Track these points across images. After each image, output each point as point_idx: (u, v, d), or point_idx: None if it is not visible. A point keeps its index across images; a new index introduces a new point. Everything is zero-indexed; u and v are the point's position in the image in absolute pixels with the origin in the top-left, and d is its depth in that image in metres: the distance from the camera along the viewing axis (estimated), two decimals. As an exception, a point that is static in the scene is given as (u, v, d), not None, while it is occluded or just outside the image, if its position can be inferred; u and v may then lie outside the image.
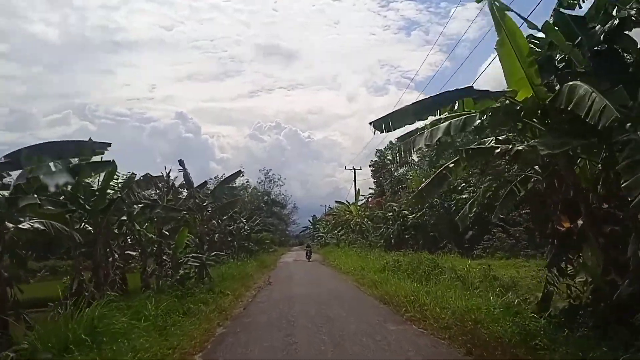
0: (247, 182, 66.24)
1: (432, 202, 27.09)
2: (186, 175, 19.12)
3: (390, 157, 59.76)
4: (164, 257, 14.78)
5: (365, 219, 39.48)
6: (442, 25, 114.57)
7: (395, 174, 56.33)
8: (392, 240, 30.68)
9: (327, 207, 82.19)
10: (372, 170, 58.54)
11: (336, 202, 43.98)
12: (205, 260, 18.27)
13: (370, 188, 51.68)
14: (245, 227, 31.48)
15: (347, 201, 43.50)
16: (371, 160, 59.39)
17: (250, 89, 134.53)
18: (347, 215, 41.52)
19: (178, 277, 17.43)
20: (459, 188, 27.08)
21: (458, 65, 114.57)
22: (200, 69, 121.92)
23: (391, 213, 30.98)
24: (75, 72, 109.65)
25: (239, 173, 19.53)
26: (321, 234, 64.63)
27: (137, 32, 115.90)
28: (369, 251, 30.43)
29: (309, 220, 78.67)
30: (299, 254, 51.94)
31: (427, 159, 41.88)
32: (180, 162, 19.28)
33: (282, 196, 75.76)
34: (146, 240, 14.51)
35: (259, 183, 71.05)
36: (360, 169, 54.08)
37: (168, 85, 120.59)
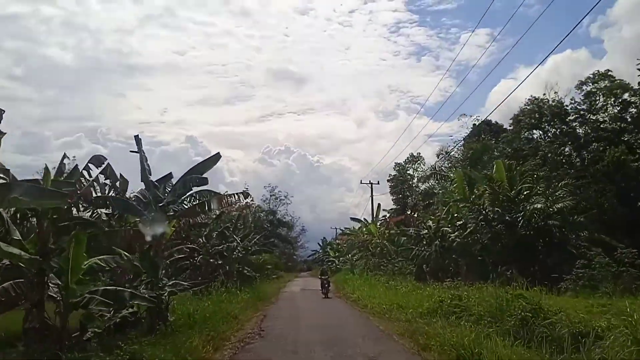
0: (251, 201, 59.97)
1: (486, 213, 20.26)
2: (142, 160, 12.55)
3: (411, 172, 53.22)
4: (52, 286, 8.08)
5: (385, 241, 32.59)
6: (452, 51, 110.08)
7: (422, 186, 49.74)
8: (428, 266, 23.74)
9: (338, 230, 75.78)
10: (390, 186, 51.79)
11: (352, 219, 37.25)
12: (161, 294, 11.64)
13: (384, 210, 44.88)
14: (239, 247, 24.64)
15: (364, 219, 36.71)
16: (390, 175, 52.76)
17: (260, 113, 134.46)
18: (365, 236, 34.66)
19: (112, 323, 11.08)
20: (522, 196, 20.22)
21: (467, 90, 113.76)
22: (211, 93, 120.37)
23: (426, 231, 24.10)
24: (88, 95, 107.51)
25: (217, 157, 12.81)
26: (332, 259, 57.39)
27: (151, 57, 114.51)
28: (395, 280, 23.55)
29: (319, 244, 71.61)
30: (307, 282, 44.78)
31: (457, 168, 35.21)
32: (137, 139, 12.83)
33: (290, 217, 68.87)
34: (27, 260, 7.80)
35: (264, 201, 64.34)
36: (378, 183, 47.21)
37: (179, 109, 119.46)
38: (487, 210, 20.30)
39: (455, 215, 23.83)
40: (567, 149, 40.69)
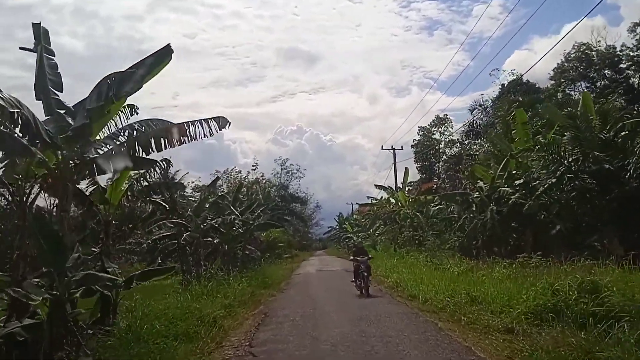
0: (261, 176, 54.92)
1: (569, 163, 14.71)
2: (39, 61, 7.28)
3: (437, 136, 47.41)
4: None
5: (416, 211, 27.17)
6: (464, 24, 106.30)
7: (449, 151, 44.05)
8: (479, 238, 18.36)
9: (355, 205, 70.60)
10: (414, 153, 46.11)
11: (376, 186, 31.57)
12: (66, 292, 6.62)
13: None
14: (238, 221, 19.39)
15: (388, 187, 31.19)
16: (414, 140, 47.06)
17: (272, 93, 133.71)
18: (392, 206, 29.27)
19: None
20: (620, 137, 14.56)
21: (480, 63, 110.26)
22: (223, 75, 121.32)
23: (477, 194, 18.58)
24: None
25: (168, 51, 7.36)
26: (349, 235, 52.20)
27: (162, 41, 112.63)
28: (438, 257, 18.24)
29: (335, 219, 66.32)
30: (323, 261, 39.75)
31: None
32: (34, 27, 7.58)
33: (304, 194, 63.62)
34: None
35: (275, 176, 59.11)
36: (402, 148, 41.59)
37: (192, 93, 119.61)
38: (571, 159, 14.74)
39: (514, 172, 18.30)
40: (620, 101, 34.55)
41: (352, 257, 15.54)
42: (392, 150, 41.60)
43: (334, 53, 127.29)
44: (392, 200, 29.39)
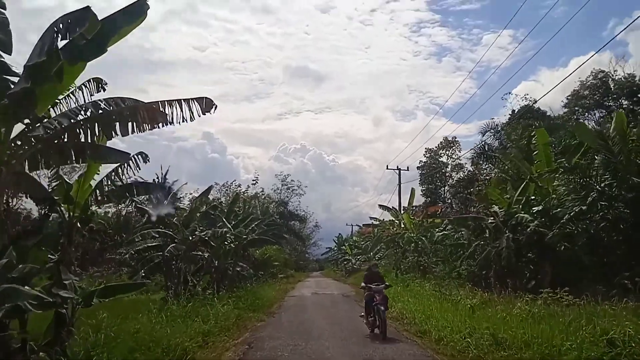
0: (261, 191, 53.40)
1: (602, 189, 13.17)
2: None
3: (444, 159, 45.95)
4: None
5: (422, 235, 25.53)
6: (473, 52, 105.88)
7: (456, 175, 42.51)
8: (492, 268, 16.70)
9: (354, 226, 68.97)
10: (420, 175, 44.59)
11: (380, 206, 29.82)
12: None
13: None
14: (229, 235, 17.75)
15: (393, 208, 29.53)
16: (420, 162, 45.58)
17: (278, 111, 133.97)
18: (395, 228, 27.60)
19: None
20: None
21: (487, 92, 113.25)
22: (231, 89, 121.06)
23: (492, 219, 16.97)
24: (111, 91, 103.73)
25: (141, 4, 6.03)
26: (348, 257, 50.41)
27: (172, 53, 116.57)
28: (446, 287, 16.59)
29: (334, 240, 64.48)
30: (320, 283, 37.92)
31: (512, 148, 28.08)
32: None
33: (304, 212, 61.93)
34: None
35: (274, 191, 57.57)
36: (408, 169, 40.18)
37: None
38: (603, 184, 13.20)
39: (533, 197, 16.77)
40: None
41: (363, 284, 12.24)
42: (397, 170, 40.20)
43: (342, 74, 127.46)
44: (396, 222, 27.71)
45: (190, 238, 16.85)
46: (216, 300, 13.33)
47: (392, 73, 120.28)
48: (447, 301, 13.50)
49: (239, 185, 45.06)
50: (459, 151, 45.87)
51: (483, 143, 30.37)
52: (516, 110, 34.86)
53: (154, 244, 16.75)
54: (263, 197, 53.05)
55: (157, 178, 18.24)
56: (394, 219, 27.97)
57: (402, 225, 27.81)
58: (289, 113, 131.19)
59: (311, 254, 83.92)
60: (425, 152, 46.25)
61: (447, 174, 45.46)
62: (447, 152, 45.96)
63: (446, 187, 45.44)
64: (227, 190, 44.98)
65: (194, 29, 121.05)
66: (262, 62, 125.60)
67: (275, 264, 34.46)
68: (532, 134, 20.34)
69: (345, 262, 51.41)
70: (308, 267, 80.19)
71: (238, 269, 19.30)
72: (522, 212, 16.20)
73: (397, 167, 40.50)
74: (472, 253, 17.74)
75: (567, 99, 37.04)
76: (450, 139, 45.87)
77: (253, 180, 51.28)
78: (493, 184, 20.87)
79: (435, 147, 46.23)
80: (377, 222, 29.51)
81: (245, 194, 43.21)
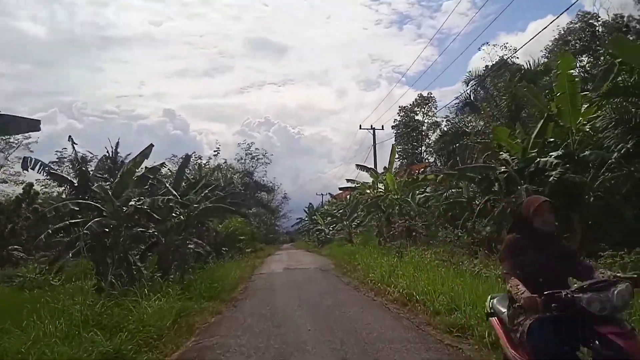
0: (224, 162, 49.27)
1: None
2: None
3: (419, 117, 42.76)
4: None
5: (403, 195, 22.32)
6: (434, 19, 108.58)
7: (433, 135, 39.65)
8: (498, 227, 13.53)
9: (325, 195, 65.95)
10: (395, 135, 41.33)
11: (358, 166, 26.06)
12: None
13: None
14: (174, 204, 13.79)
15: (372, 169, 25.97)
16: (395, 120, 42.28)
17: (240, 85, 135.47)
18: (377, 191, 24.17)
19: None
20: None
21: (448, 59, 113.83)
22: (190, 65, 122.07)
23: (503, 168, 13.66)
24: (63, 70, 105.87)
25: None
26: (320, 227, 47.21)
27: (127, 28, 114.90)
28: (455, 256, 13.36)
29: (305, 210, 61.14)
30: (292, 256, 34.52)
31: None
32: None
33: (271, 183, 58.05)
34: None
35: (238, 161, 53.47)
36: (383, 128, 36.97)
37: (157, 82, 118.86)
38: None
39: (552, 139, 13.60)
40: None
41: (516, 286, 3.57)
42: (371, 130, 36.82)
43: (303, 45, 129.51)
44: (377, 184, 24.31)
45: (124, 210, 12.96)
46: (161, 289, 9.60)
47: (353, 43, 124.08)
48: (470, 275, 10.16)
49: (200, 157, 40.83)
50: (435, 108, 42.83)
51: (469, 92, 27.12)
52: (489, 66, 31.66)
53: (75, 220, 12.84)
54: (226, 167, 49.09)
55: (107, 153, 14.96)
56: (374, 180, 24.55)
57: (383, 187, 24.50)
58: (251, 87, 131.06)
59: (281, 227, 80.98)
60: (400, 110, 42.99)
61: (423, 133, 42.46)
62: (423, 110, 42.79)
63: (423, 147, 42.51)
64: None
65: (148, 2, 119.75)
66: (221, 36, 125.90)
67: (241, 238, 30.80)
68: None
69: (317, 233, 48.29)
70: (279, 239, 77.08)
71: (191, 246, 15.51)
72: (543, 157, 13.02)
73: (371, 126, 37.17)
74: (482, 211, 14.50)
75: (550, 43, 34.14)
76: (425, 94, 42.71)
77: (214, 151, 47.17)
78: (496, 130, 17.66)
79: (410, 104, 43.02)
80: (355, 185, 25.92)
81: (207, 166, 39.16)
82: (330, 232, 41.62)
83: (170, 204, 14.10)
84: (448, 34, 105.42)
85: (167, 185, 14.26)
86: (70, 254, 15.08)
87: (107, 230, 12.43)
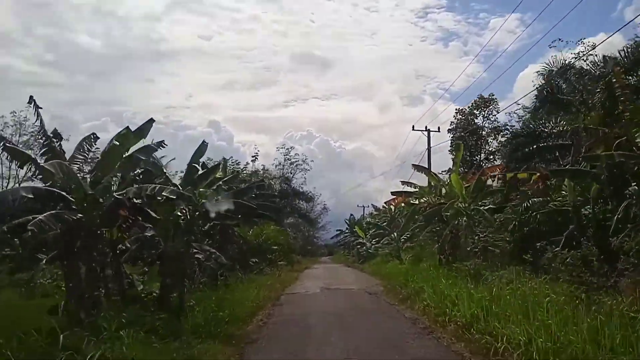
0: (262, 167, 45.83)
1: None
2: None
3: (480, 119, 37.90)
4: None
5: (472, 203, 17.84)
6: (480, 36, 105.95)
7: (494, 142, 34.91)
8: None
9: (367, 207, 61.57)
10: (451, 138, 36.59)
11: (414, 166, 21.53)
12: None
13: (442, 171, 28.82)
14: (171, 195, 9.94)
15: (432, 172, 21.34)
16: (451, 123, 37.57)
17: (285, 98, 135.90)
18: (437, 198, 19.65)
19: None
20: None
21: (494, 76, 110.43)
22: (236, 78, 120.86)
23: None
24: (117, 81, 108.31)
25: None
26: (361, 241, 42.80)
27: (178, 42, 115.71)
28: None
29: (346, 221, 56.85)
30: (331, 272, 30.41)
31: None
32: None
33: (310, 192, 53.78)
34: None
35: (276, 167, 49.82)
36: (439, 130, 32.73)
37: (205, 94, 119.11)
38: None
39: None
40: None
41: None
42: (425, 132, 32.44)
43: (348, 60, 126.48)
44: (441, 187, 19.74)
45: (101, 201, 9.29)
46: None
47: (398, 59, 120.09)
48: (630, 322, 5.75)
49: (237, 162, 37.23)
50: (497, 112, 37.86)
51: (549, 87, 22.25)
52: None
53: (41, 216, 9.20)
54: (263, 173, 45.62)
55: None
56: (434, 184, 20.01)
57: (444, 193, 20.01)
58: (295, 100, 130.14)
59: (320, 238, 76.79)
60: (456, 112, 38.23)
61: (482, 139, 37.54)
62: (483, 113, 37.87)
63: (482, 154, 37.55)
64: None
65: (199, 18, 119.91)
66: (267, 50, 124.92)
67: (274, 249, 26.90)
68: None
69: (358, 246, 43.92)
70: (317, 252, 72.97)
71: (200, 256, 11.64)
72: None
73: (426, 127, 32.79)
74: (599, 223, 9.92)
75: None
76: (486, 96, 37.82)
77: (253, 156, 43.74)
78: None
79: (468, 106, 38.21)
80: (413, 190, 21.18)
81: (244, 172, 35.66)
82: (373, 246, 37.18)
83: (173, 198, 10.30)
84: (495, 51, 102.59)
85: (165, 171, 10.46)
86: (44, 262, 11.68)
87: (75, 228, 8.80)
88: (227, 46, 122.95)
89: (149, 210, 10.66)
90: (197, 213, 10.67)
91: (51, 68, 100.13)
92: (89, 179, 9.87)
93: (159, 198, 10.10)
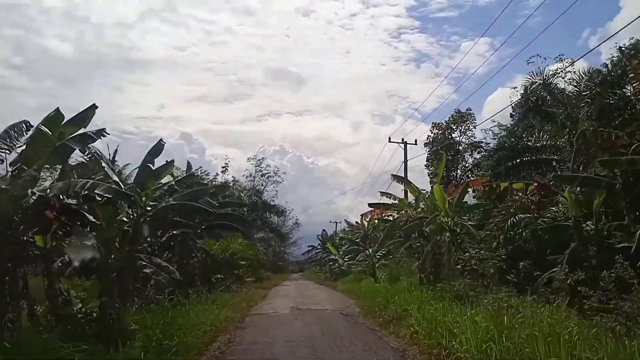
0: (232, 179, 44.09)
1: None
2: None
3: (456, 135, 37.13)
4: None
5: (455, 217, 16.60)
6: (452, 58, 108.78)
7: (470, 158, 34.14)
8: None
9: (339, 223, 60.34)
10: (428, 152, 35.66)
11: (394, 176, 20.35)
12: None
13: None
14: (104, 192, 8.12)
15: (412, 184, 19.92)
16: (428, 137, 36.70)
17: (258, 112, 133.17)
18: (416, 211, 18.20)
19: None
20: None
21: (465, 98, 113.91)
22: (210, 91, 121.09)
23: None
24: (86, 88, 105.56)
25: None
26: (334, 257, 41.10)
27: (151, 52, 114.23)
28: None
29: (318, 237, 55.15)
30: (303, 289, 28.68)
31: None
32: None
33: (282, 207, 51.84)
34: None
35: (247, 178, 48.03)
36: (416, 143, 31.85)
37: (177, 106, 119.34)
38: None
39: None
40: None
41: None
42: (402, 144, 31.38)
43: (322, 77, 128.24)
44: (422, 201, 18.33)
45: (17, 197, 7.44)
46: None
47: (371, 78, 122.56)
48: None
49: (207, 173, 35.24)
50: (474, 127, 37.22)
51: (534, 96, 21.42)
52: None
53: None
54: (233, 185, 43.72)
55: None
56: (415, 195, 18.57)
57: (424, 207, 18.67)
58: (269, 115, 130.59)
59: (291, 254, 74.69)
60: (433, 126, 37.43)
61: (459, 154, 36.74)
62: (460, 127, 37.15)
63: (459, 171, 36.69)
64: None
65: (173, 28, 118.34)
66: (242, 64, 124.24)
67: (241, 264, 24.97)
68: None
69: (331, 263, 42.16)
70: (287, 268, 70.78)
71: (148, 271, 9.82)
72: None
73: (403, 139, 31.76)
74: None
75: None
76: (463, 111, 37.19)
77: (222, 167, 41.90)
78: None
79: (445, 121, 37.45)
80: (392, 202, 19.65)
81: (214, 183, 33.68)
82: (346, 263, 35.55)
83: (113, 199, 8.50)
84: (466, 73, 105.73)
85: (108, 165, 8.66)
86: None
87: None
88: (201, 58, 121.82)
89: (85, 214, 8.86)
90: (144, 218, 8.86)
91: (18, 71, 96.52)
92: (9, 173, 8.05)
93: (98, 198, 8.37)
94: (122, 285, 8.88)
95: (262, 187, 48.55)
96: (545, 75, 22.21)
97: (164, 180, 9.94)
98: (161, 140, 11.44)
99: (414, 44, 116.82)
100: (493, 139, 31.97)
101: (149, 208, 9.04)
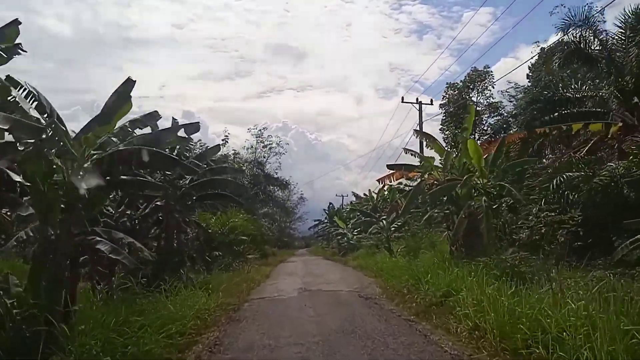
0: (233, 152, 41.38)
1: None
2: None
3: (473, 96, 34.03)
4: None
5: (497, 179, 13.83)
6: (454, 29, 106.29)
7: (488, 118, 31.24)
8: None
9: (345, 197, 57.90)
10: (443, 113, 32.69)
11: (415, 132, 17.55)
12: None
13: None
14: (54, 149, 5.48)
15: (436, 142, 16.97)
16: (443, 97, 33.66)
17: (260, 89, 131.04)
18: (444, 173, 15.36)
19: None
20: None
21: (467, 69, 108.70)
22: (211, 68, 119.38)
23: None
24: (86, 69, 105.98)
25: None
26: (342, 232, 38.47)
27: (150, 30, 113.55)
28: None
29: (325, 210, 52.54)
30: (310, 266, 26.14)
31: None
32: None
33: (285, 179, 49.14)
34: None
35: (247, 149, 45.21)
36: (432, 103, 28.98)
37: (179, 84, 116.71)
38: None
39: None
40: None
41: None
42: (416, 104, 28.42)
43: (323, 52, 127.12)
44: (451, 161, 15.47)
45: None
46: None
47: (373, 51, 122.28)
48: None
49: (207, 146, 32.41)
50: (492, 87, 34.10)
51: (575, 40, 18.31)
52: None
53: None
54: (234, 158, 40.99)
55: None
56: (445, 156, 15.67)
57: (453, 168, 15.85)
58: (271, 91, 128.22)
59: (297, 230, 72.26)
60: (447, 87, 34.33)
61: (477, 116, 33.69)
62: (478, 87, 34.01)
63: (475, 134, 33.71)
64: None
65: (172, 5, 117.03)
66: (242, 40, 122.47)
67: (242, 239, 22.43)
68: None
69: (339, 237, 39.60)
70: (293, 244, 68.54)
71: (103, 248, 7.15)
72: None
73: (417, 99, 28.77)
74: None
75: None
76: (480, 69, 33.99)
77: (223, 139, 38.98)
78: None
79: (461, 81, 34.31)
80: (418, 163, 16.63)
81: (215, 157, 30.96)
82: (355, 236, 33.00)
83: (43, 148, 5.79)
84: (468, 44, 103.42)
85: (53, 117, 5.92)
86: None
87: None
88: (201, 35, 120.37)
89: (7, 171, 6.17)
90: (82, 173, 6.11)
91: (18, 54, 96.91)
92: None
93: (20, 148, 5.66)
94: (58, 268, 6.23)
95: (265, 159, 45.80)
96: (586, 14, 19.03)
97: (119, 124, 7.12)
98: (129, 78, 8.58)
99: (415, 15, 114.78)
100: (509, 101, 29.09)
101: (90, 160, 6.29)
